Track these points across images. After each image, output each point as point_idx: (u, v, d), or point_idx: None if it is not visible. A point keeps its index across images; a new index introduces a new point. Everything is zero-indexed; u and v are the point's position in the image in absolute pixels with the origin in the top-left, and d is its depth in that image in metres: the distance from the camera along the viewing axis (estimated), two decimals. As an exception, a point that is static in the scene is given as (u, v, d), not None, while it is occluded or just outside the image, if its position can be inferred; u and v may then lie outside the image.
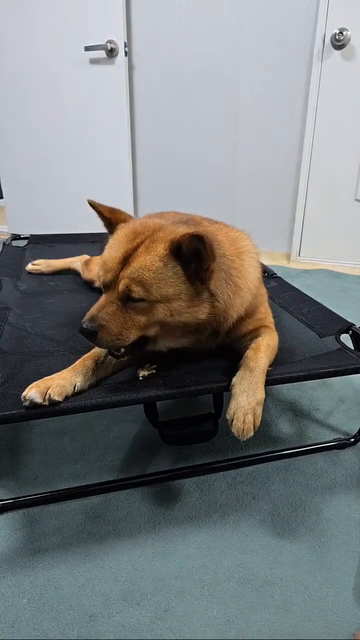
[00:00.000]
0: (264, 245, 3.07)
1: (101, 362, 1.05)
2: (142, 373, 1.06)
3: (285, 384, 1.36)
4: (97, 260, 1.72)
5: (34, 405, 0.92)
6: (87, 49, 2.75)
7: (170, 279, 0.93)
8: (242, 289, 1.05)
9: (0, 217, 3.81)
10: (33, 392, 0.92)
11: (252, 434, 0.95)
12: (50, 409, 0.93)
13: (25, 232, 2.47)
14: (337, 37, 2.53)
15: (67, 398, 0.96)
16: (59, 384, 0.96)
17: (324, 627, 0.88)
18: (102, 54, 2.77)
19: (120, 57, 2.76)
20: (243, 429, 0.94)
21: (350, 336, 1.32)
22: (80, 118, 3.00)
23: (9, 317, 1.39)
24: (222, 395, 1.11)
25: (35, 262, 1.86)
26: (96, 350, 1.07)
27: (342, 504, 1.14)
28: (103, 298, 0.96)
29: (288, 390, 1.60)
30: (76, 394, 0.98)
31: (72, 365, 1.03)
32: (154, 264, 0.92)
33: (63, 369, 1.02)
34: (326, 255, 3.02)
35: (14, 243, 2.24)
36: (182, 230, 0.96)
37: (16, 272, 1.83)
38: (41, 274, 1.83)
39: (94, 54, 2.78)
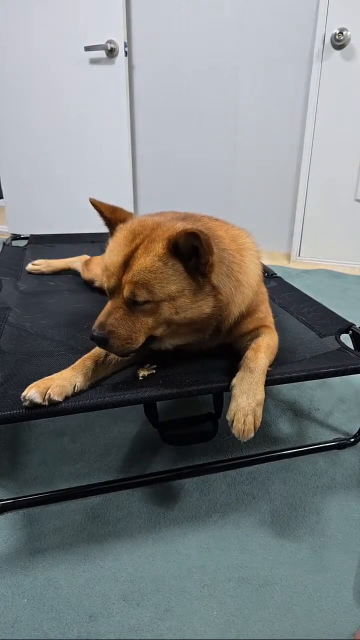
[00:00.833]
0: (264, 245, 3.05)
1: (101, 362, 1.05)
2: (142, 373, 1.07)
3: (285, 384, 1.35)
4: (97, 260, 1.72)
5: (33, 405, 0.92)
6: (87, 49, 2.75)
7: (172, 276, 0.93)
8: (243, 284, 1.05)
9: (0, 217, 3.81)
10: (33, 392, 0.92)
11: (252, 435, 0.95)
12: (50, 409, 0.93)
13: (25, 232, 2.47)
14: (337, 37, 2.53)
15: (66, 398, 0.96)
16: (59, 384, 0.96)
17: (324, 627, 0.88)
18: (102, 54, 2.77)
19: (120, 57, 2.76)
20: (243, 430, 0.94)
21: (350, 336, 1.32)
22: (80, 118, 3.00)
23: (9, 317, 1.39)
24: (222, 395, 1.11)
25: (36, 262, 1.86)
26: (96, 351, 1.07)
27: (342, 504, 1.14)
28: (109, 304, 0.96)
29: (288, 390, 1.60)
30: (76, 394, 0.98)
31: (72, 366, 1.03)
32: (153, 264, 0.92)
33: (63, 369, 1.02)
34: (326, 255, 3.02)
35: (14, 243, 2.24)
36: (179, 226, 0.96)
37: (16, 272, 1.83)
38: (41, 274, 1.83)
39: (94, 54, 2.78)
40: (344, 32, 2.51)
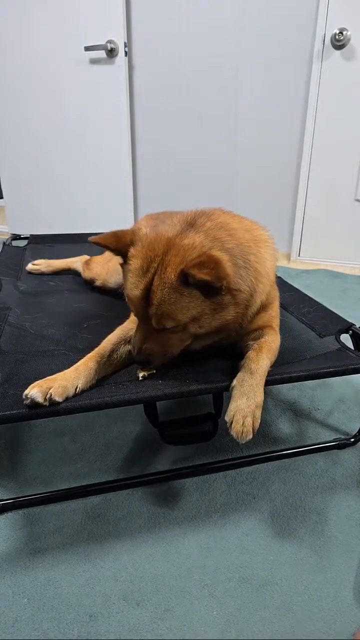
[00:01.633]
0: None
1: (104, 362, 1.06)
2: (142, 374, 1.07)
3: (285, 384, 1.35)
4: (97, 260, 1.72)
5: (35, 404, 0.92)
6: (87, 49, 2.75)
7: (190, 304, 0.95)
8: (261, 273, 1.06)
9: (0, 217, 3.81)
10: (35, 392, 0.92)
11: (251, 436, 0.95)
12: (50, 409, 0.93)
13: (25, 232, 2.47)
14: (337, 37, 2.53)
15: (67, 399, 0.96)
16: (61, 384, 0.96)
17: (324, 627, 0.88)
18: (102, 54, 2.77)
19: (120, 57, 2.76)
20: (242, 432, 0.94)
21: (350, 336, 1.32)
22: (80, 118, 3.00)
23: (9, 317, 1.39)
24: (222, 395, 1.11)
25: (36, 262, 1.86)
26: (99, 350, 1.08)
27: (342, 504, 1.14)
28: (143, 330, 1.01)
29: (288, 390, 1.60)
30: (77, 394, 0.98)
31: (75, 366, 1.03)
32: (170, 296, 0.93)
33: (63, 369, 1.02)
34: (326, 255, 3.02)
35: (14, 243, 2.24)
36: (191, 244, 0.94)
37: (16, 272, 1.83)
38: (41, 274, 1.83)
39: (94, 54, 2.78)
40: (344, 32, 2.51)
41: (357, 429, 1.37)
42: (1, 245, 2.18)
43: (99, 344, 1.11)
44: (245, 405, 0.96)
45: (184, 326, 0.98)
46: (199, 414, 1.12)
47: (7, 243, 2.20)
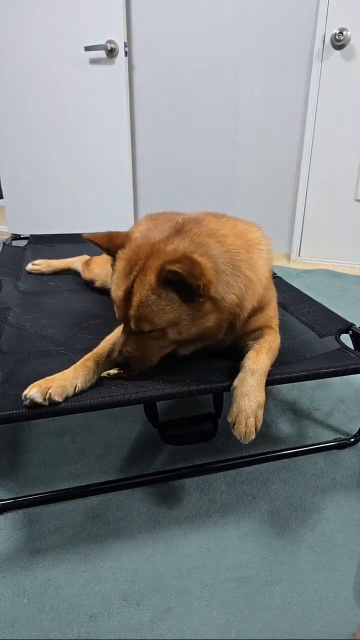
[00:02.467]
0: (264, 245, 3.06)
1: (102, 362, 1.06)
2: (109, 372, 1.06)
3: (285, 384, 1.35)
4: (97, 260, 1.72)
5: (34, 404, 0.92)
6: (87, 49, 2.75)
7: (167, 306, 0.95)
8: (252, 280, 1.05)
9: (0, 217, 3.81)
10: (34, 392, 0.92)
11: (253, 436, 0.95)
12: (50, 408, 0.93)
13: (25, 232, 2.46)
14: (337, 37, 2.53)
15: (67, 399, 0.96)
16: (60, 384, 0.96)
17: (324, 627, 0.88)
18: (102, 54, 2.77)
19: (120, 57, 2.76)
20: (245, 432, 0.95)
21: (350, 336, 1.32)
22: (80, 118, 3.00)
23: (9, 317, 1.39)
24: (222, 395, 1.11)
25: (36, 262, 1.86)
26: (98, 350, 1.08)
27: (342, 504, 1.14)
28: (124, 334, 1.03)
29: (288, 390, 1.60)
30: (76, 394, 0.98)
31: (74, 366, 1.03)
32: (148, 298, 0.94)
33: (63, 369, 1.02)
34: (326, 255, 3.02)
35: (14, 243, 2.24)
36: (173, 249, 0.95)
37: (16, 272, 1.83)
38: (41, 274, 1.83)
39: (94, 54, 2.78)
40: (344, 32, 2.51)
41: (357, 429, 1.37)
42: (1, 245, 2.18)
43: (98, 344, 1.11)
44: (247, 405, 0.96)
45: (163, 332, 0.98)
46: (199, 414, 1.12)
47: (7, 243, 2.20)
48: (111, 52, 2.75)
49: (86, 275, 1.72)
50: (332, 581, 0.96)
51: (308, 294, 1.64)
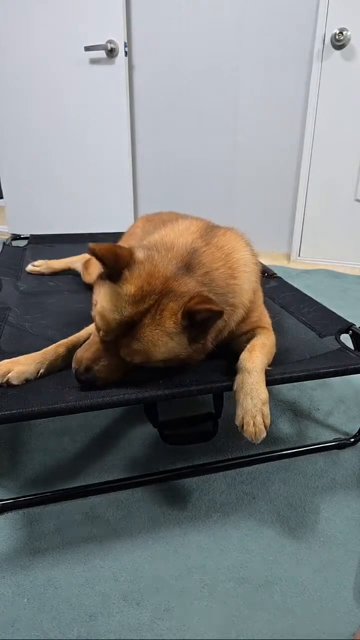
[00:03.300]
0: (264, 245, 3.07)
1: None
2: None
3: (285, 384, 1.35)
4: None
5: None
6: (87, 49, 2.75)
7: (174, 348, 0.95)
8: (237, 307, 1.07)
9: (0, 217, 3.81)
10: None
11: (264, 434, 0.95)
12: (50, 408, 0.94)
13: (25, 232, 2.46)
14: (337, 37, 2.53)
15: (27, 381, 1.02)
16: (22, 369, 1.02)
17: (324, 627, 0.88)
18: (102, 54, 2.77)
19: (120, 57, 2.76)
20: (255, 432, 0.94)
21: (350, 336, 1.32)
22: (80, 118, 3.00)
23: (9, 317, 1.39)
24: (222, 395, 1.11)
25: (36, 263, 1.85)
26: (72, 339, 1.11)
27: (342, 504, 1.14)
28: (100, 350, 0.97)
29: (288, 390, 1.60)
30: (38, 378, 1.04)
31: (44, 350, 1.08)
32: (160, 339, 0.93)
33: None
34: (326, 255, 3.02)
35: (14, 243, 2.24)
36: (189, 292, 0.94)
37: (16, 272, 1.83)
38: (41, 275, 1.83)
39: (94, 54, 2.78)
40: (344, 32, 2.51)
41: (357, 429, 1.37)
42: (1, 245, 2.18)
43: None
44: (251, 405, 0.96)
45: (150, 362, 0.97)
46: (199, 414, 1.12)
47: (7, 243, 2.20)
48: (111, 52, 2.75)
49: (87, 278, 1.71)
50: (332, 581, 0.96)
51: (308, 294, 1.64)
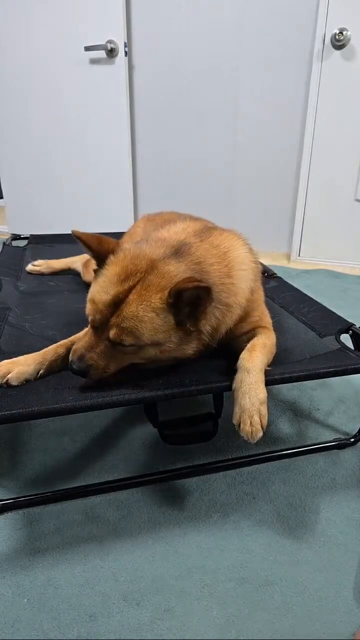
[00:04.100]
0: (264, 245, 3.07)
1: None
2: None
3: (285, 384, 1.35)
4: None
5: None
6: (87, 49, 2.75)
7: (162, 327, 0.94)
8: (232, 306, 1.07)
9: (0, 217, 3.81)
10: None
11: (261, 434, 0.95)
12: (50, 408, 0.94)
13: (25, 232, 2.46)
14: (337, 37, 2.53)
15: (27, 382, 1.02)
16: (22, 370, 1.02)
17: (324, 627, 0.88)
18: (102, 54, 2.77)
19: (120, 57, 2.76)
20: (251, 432, 0.94)
21: (350, 336, 1.32)
22: (80, 118, 3.00)
23: (9, 317, 1.39)
24: (222, 395, 1.11)
25: (35, 262, 1.85)
26: (72, 339, 1.10)
27: (342, 504, 1.14)
28: (92, 337, 0.97)
29: (288, 390, 1.60)
30: (38, 379, 1.03)
31: (44, 350, 1.08)
32: (146, 314, 0.92)
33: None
34: (326, 255, 3.02)
35: (14, 243, 2.24)
36: (176, 273, 0.95)
37: (16, 272, 1.83)
38: (41, 275, 1.83)
39: (94, 54, 2.78)
40: (344, 32, 2.51)
41: (357, 429, 1.37)
42: (1, 245, 2.18)
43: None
44: (249, 404, 0.96)
45: (141, 348, 0.96)
46: (199, 414, 1.12)
47: (7, 243, 2.20)
48: (111, 52, 2.75)
49: (87, 278, 1.71)
50: (332, 581, 0.96)
51: (308, 294, 1.64)
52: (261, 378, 1.01)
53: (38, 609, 0.90)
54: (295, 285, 1.75)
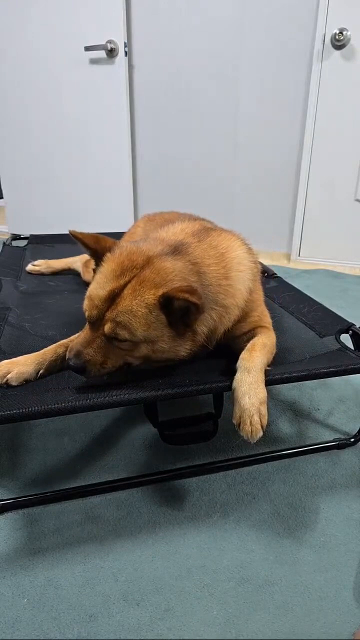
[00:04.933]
0: (264, 245, 3.07)
1: None
2: None
3: (285, 384, 1.35)
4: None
5: None
6: (87, 49, 2.75)
7: (154, 324, 0.95)
8: (230, 307, 1.07)
9: (0, 217, 3.81)
10: None
11: (261, 434, 0.95)
12: (50, 408, 0.94)
13: (25, 232, 2.47)
14: (337, 37, 2.53)
15: (27, 382, 1.02)
16: (21, 370, 1.02)
17: (324, 627, 0.88)
18: (102, 54, 2.77)
19: (120, 57, 2.76)
20: (251, 431, 0.94)
21: (350, 336, 1.32)
22: (80, 118, 3.00)
23: (9, 317, 1.39)
24: (222, 395, 1.11)
25: (35, 262, 1.86)
26: (72, 338, 1.09)
27: (342, 504, 1.14)
28: (88, 333, 0.98)
29: (288, 390, 1.60)
30: (38, 379, 1.03)
31: (44, 350, 1.08)
32: (139, 309, 0.93)
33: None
34: (326, 255, 3.02)
35: (14, 243, 2.24)
36: (172, 269, 0.96)
37: (16, 272, 1.83)
38: (41, 275, 1.83)
39: (94, 54, 2.78)
40: (344, 32, 2.51)
41: (357, 429, 1.37)
42: (1, 245, 2.18)
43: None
44: (249, 404, 0.96)
45: (136, 345, 0.97)
46: (199, 414, 1.12)
47: (7, 243, 2.20)
48: (111, 52, 2.75)
49: (87, 277, 1.71)
50: (332, 581, 0.96)
51: (308, 294, 1.64)
52: (261, 378, 1.01)
53: (38, 609, 0.90)
54: (295, 285, 1.75)
